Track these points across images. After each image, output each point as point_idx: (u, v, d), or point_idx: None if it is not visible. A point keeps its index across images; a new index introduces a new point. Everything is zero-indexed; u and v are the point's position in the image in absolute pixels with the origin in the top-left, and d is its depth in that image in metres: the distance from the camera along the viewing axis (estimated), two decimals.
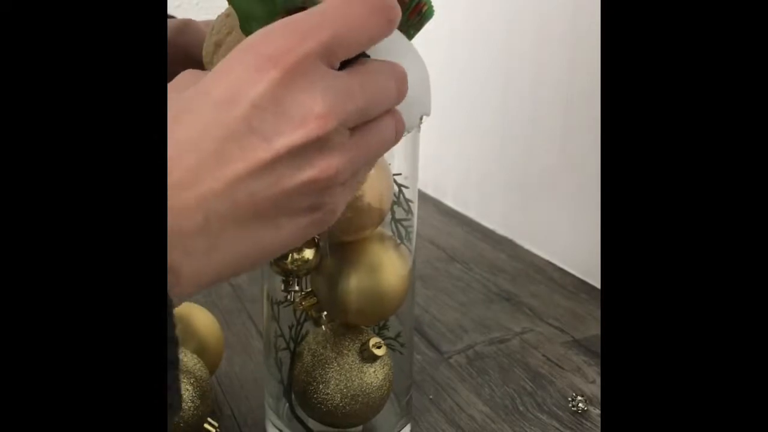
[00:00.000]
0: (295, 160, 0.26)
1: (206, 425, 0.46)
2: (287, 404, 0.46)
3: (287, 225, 0.28)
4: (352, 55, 0.27)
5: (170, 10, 0.85)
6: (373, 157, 0.30)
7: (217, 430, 0.46)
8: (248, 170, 0.25)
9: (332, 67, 0.27)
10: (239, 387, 0.55)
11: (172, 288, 0.25)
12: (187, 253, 0.25)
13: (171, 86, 0.28)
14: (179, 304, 0.27)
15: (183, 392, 0.44)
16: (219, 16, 0.35)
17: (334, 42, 0.26)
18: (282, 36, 0.26)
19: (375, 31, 0.27)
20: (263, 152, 0.25)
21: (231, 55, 0.26)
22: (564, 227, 0.79)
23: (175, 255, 0.25)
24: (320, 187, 0.27)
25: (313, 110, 0.26)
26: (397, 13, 0.28)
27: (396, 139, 0.31)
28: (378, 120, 0.29)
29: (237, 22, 0.33)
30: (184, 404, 0.43)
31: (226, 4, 0.35)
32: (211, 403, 0.46)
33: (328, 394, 0.42)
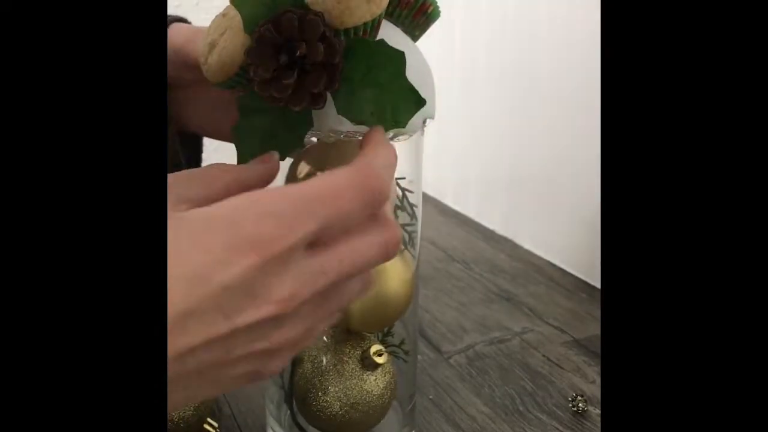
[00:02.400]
0: (249, 334, 0.26)
1: (206, 425, 0.46)
2: (288, 412, 0.45)
3: (226, 384, 0.27)
4: (335, 238, 0.27)
5: (170, 11, 0.84)
6: (328, 318, 0.29)
7: (217, 430, 0.46)
8: (203, 343, 0.25)
9: (313, 249, 0.26)
10: (239, 387, 0.55)
11: None
12: None
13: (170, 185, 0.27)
14: None
15: None
16: (216, 17, 0.35)
17: (320, 231, 0.26)
18: (271, 223, 0.25)
19: (362, 218, 0.27)
20: (222, 327, 0.25)
21: (215, 224, 0.25)
22: (564, 227, 0.79)
23: None
24: (268, 356, 0.27)
25: (278, 294, 0.25)
26: (385, 199, 0.27)
27: (386, 257, 0.28)
28: (345, 282, 0.28)
29: (231, 23, 0.33)
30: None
31: (225, 4, 0.35)
32: (211, 403, 0.46)
33: (327, 401, 0.41)
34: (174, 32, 0.44)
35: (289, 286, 0.25)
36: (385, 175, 0.27)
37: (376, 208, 0.27)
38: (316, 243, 0.26)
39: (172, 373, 0.25)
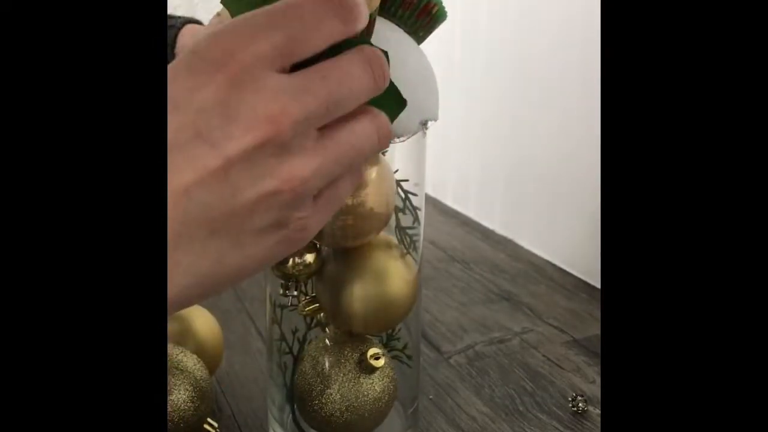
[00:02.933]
0: (250, 168, 0.23)
1: (206, 425, 0.46)
2: (290, 414, 0.45)
3: (251, 244, 0.25)
4: (306, 57, 0.25)
5: (170, 11, 0.85)
6: (348, 163, 0.26)
7: (217, 430, 0.46)
8: (198, 180, 0.23)
9: (285, 71, 0.24)
10: (239, 387, 0.55)
11: None
12: None
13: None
14: None
15: (183, 392, 0.44)
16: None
17: (286, 44, 0.24)
18: (230, 38, 0.24)
19: (333, 33, 0.25)
20: (212, 159, 0.23)
21: (177, 60, 0.24)
22: (564, 227, 0.79)
23: None
24: (284, 200, 0.24)
25: (264, 111, 0.23)
26: (359, 13, 0.25)
27: (379, 144, 0.27)
28: (353, 119, 0.26)
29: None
30: (184, 404, 0.43)
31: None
32: (211, 403, 0.46)
33: (324, 403, 0.41)
34: (187, 33, 0.44)
35: (271, 103, 0.23)
36: None
37: (343, 19, 0.24)
38: (287, 69, 0.24)
39: (177, 225, 0.23)
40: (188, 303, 0.26)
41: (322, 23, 0.24)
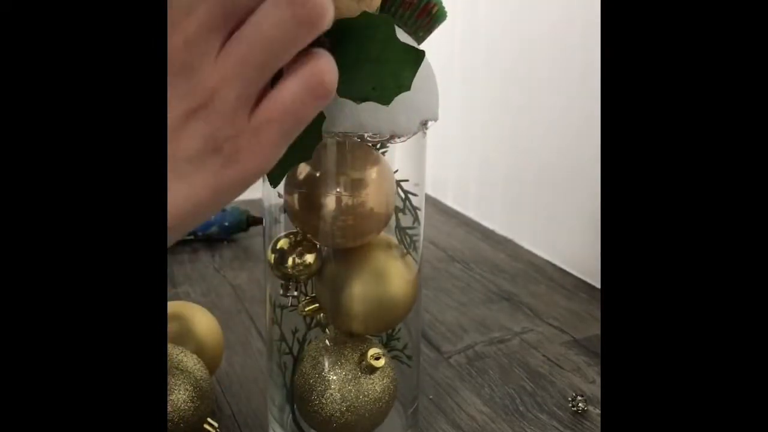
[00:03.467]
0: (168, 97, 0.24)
1: (206, 425, 0.46)
2: (290, 414, 0.45)
3: (190, 174, 0.25)
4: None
5: None
6: (263, 59, 0.24)
7: (217, 430, 0.46)
8: None
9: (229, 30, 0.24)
10: (239, 387, 0.55)
11: None
12: None
13: None
14: None
15: (183, 392, 0.44)
16: None
17: (226, 11, 0.23)
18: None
19: None
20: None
21: None
22: (564, 227, 0.79)
23: None
24: (201, 118, 0.24)
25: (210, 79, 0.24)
26: None
27: (297, 21, 0.24)
28: (257, 11, 0.24)
29: None
30: (184, 404, 0.43)
31: None
32: (211, 403, 0.46)
33: (324, 403, 0.41)
34: None
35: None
36: None
37: None
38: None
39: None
40: None
41: None
